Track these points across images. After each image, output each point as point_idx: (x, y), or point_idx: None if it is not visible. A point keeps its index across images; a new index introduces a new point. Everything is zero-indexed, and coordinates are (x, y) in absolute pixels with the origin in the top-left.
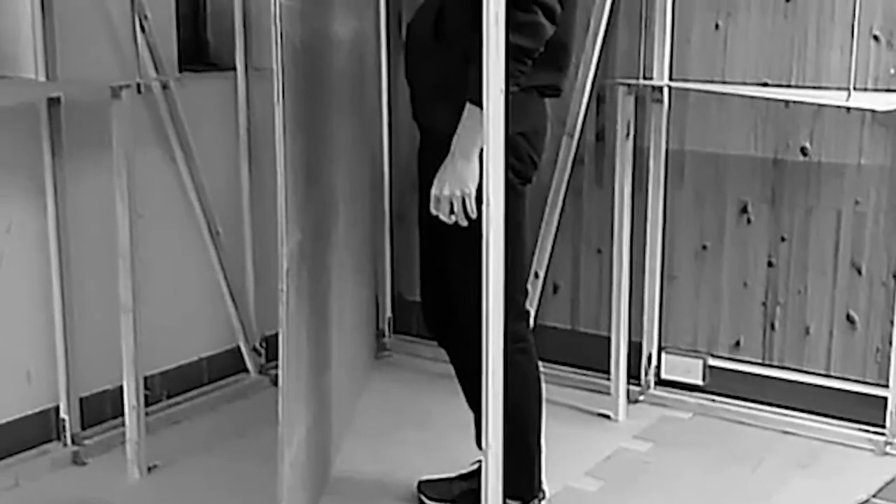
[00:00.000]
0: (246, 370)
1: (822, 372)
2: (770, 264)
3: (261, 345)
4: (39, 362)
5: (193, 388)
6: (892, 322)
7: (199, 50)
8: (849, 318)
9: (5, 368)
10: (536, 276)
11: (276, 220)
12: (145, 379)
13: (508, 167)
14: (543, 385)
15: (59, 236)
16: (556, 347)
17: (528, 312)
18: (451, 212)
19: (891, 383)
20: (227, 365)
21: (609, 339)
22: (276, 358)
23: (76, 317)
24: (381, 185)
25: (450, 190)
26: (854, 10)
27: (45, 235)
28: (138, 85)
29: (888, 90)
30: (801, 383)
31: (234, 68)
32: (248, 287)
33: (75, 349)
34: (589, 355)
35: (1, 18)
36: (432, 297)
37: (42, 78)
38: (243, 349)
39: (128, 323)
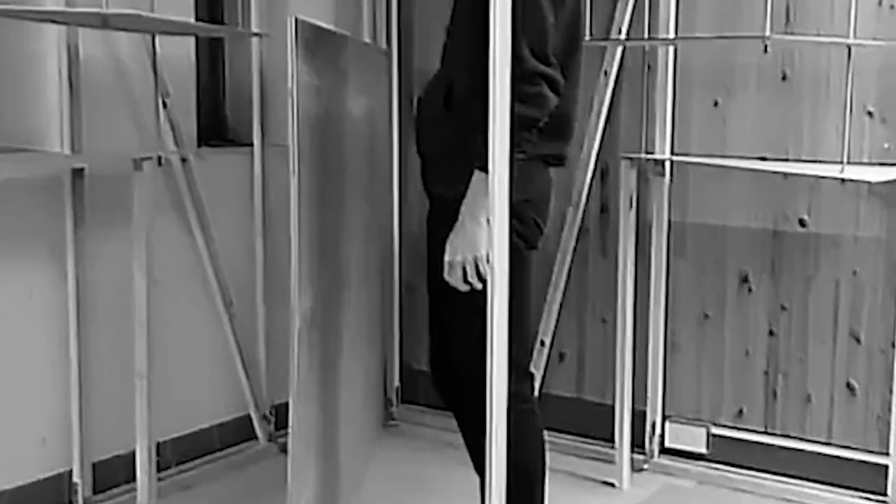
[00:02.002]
0: (256, 437)
1: (824, 440)
2: (771, 333)
3: (270, 413)
4: (54, 427)
5: (204, 455)
6: (891, 390)
7: (218, 126)
8: (849, 387)
9: (21, 432)
10: (542, 344)
11: (288, 291)
12: (157, 445)
13: (514, 232)
14: (546, 446)
15: (77, 304)
16: (562, 416)
17: (532, 374)
18: (465, 277)
19: (891, 451)
20: (237, 432)
21: (613, 407)
22: (285, 426)
23: (91, 383)
24: (392, 256)
25: (462, 255)
26: (847, 88)
27: (64, 302)
28: (159, 158)
29: (881, 164)
30: (803, 451)
31: (252, 144)
32: (260, 356)
33: (90, 414)
34: (594, 424)
35: (30, 95)
36: (440, 359)
37: (67, 151)
38: (254, 417)
39: (142, 389)
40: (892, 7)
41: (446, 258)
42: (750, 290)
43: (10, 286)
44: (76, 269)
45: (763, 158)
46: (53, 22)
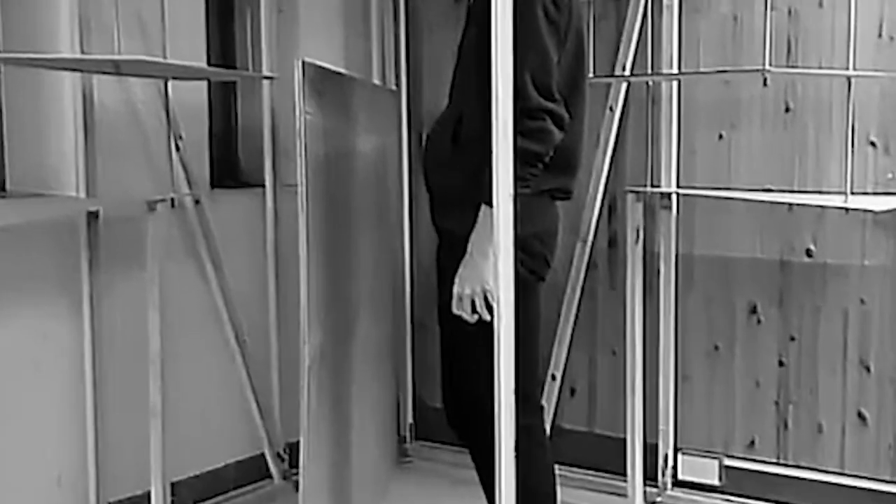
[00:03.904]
0: (270, 476)
1: (836, 470)
2: (781, 363)
3: (285, 451)
4: (70, 467)
5: (219, 494)
6: None
7: (230, 167)
8: (860, 416)
9: (37, 472)
10: (553, 378)
11: (300, 327)
12: (172, 485)
13: (522, 265)
14: (558, 480)
15: (93, 344)
16: (574, 450)
17: (543, 408)
18: (474, 310)
19: None
20: (251, 471)
21: (625, 440)
22: (299, 464)
23: (106, 423)
24: (403, 293)
25: (471, 288)
26: (850, 119)
27: (79, 343)
28: (172, 200)
29: (886, 193)
30: (816, 482)
31: (263, 185)
32: (274, 394)
33: (105, 455)
34: (606, 457)
35: (45, 140)
36: (453, 394)
37: (83, 195)
38: (268, 455)
39: (156, 428)
40: (891, 38)
41: (455, 291)
42: (759, 320)
43: (26, 328)
44: (91, 311)
45: (768, 190)
46: (68, 70)
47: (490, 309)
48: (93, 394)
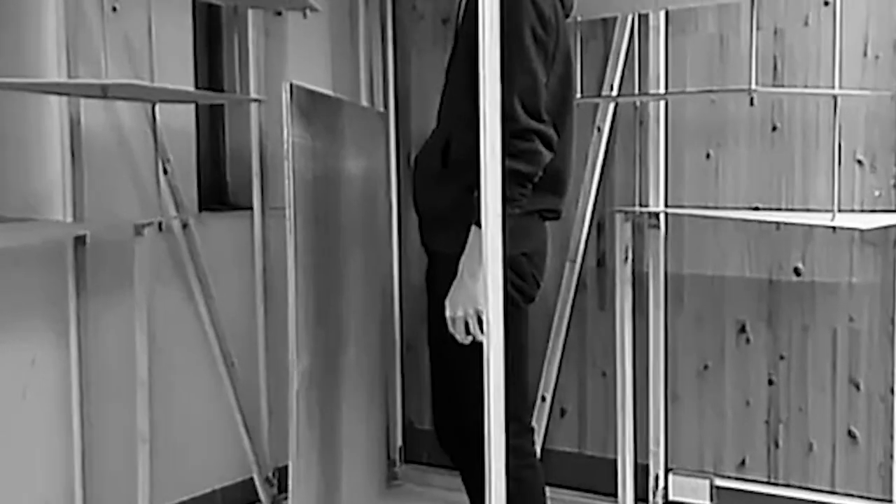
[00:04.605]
0: (259, 501)
1: (827, 489)
2: (770, 382)
3: (273, 475)
4: (57, 492)
5: None
6: (892, 437)
7: (218, 190)
8: (850, 434)
9: (24, 498)
10: (543, 399)
11: (289, 350)
12: None
13: (512, 286)
14: (549, 502)
15: (80, 370)
16: (564, 471)
17: (533, 429)
18: (467, 331)
19: (895, 498)
20: (240, 496)
21: (616, 461)
22: (288, 489)
23: (94, 448)
24: (392, 315)
25: (463, 309)
26: (836, 137)
27: (66, 369)
28: (160, 223)
29: (873, 210)
30: (807, 501)
31: (251, 208)
32: (262, 418)
33: (93, 480)
34: (596, 479)
35: (32, 164)
36: (445, 415)
37: (69, 219)
38: (256, 480)
39: (144, 453)
40: (877, 57)
41: (447, 314)
42: (748, 339)
43: (13, 353)
44: (78, 336)
45: (756, 208)
46: (55, 93)
47: (483, 330)
48: (80, 419)
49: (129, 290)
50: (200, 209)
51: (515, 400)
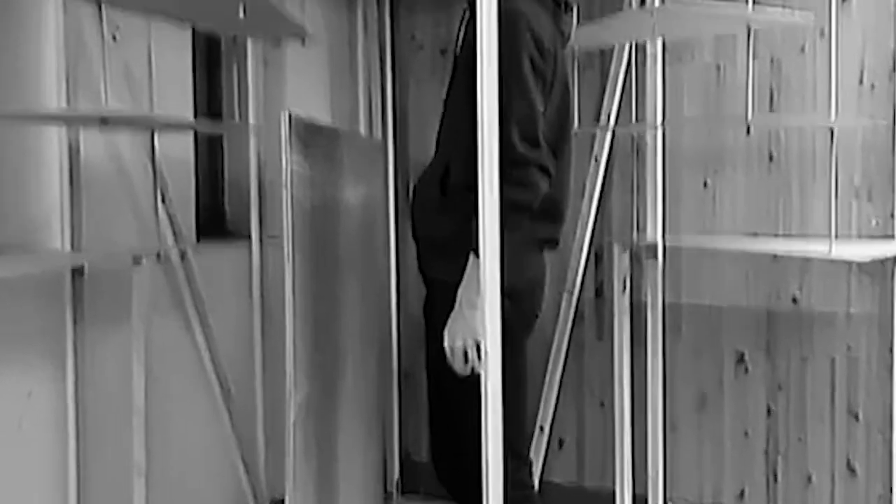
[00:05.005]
0: None
1: None
2: (769, 413)
3: None
4: None
5: None
6: (891, 469)
7: (216, 219)
8: (849, 466)
9: None
10: (541, 430)
11: (286, 380)
12: None
13: (510, 315)
14: None
15: (76, 401)
16: (563, 503)
17: (531, 461)
18: (466, 361)
19: None
20: None
21: (615, 493)
22: None
23: (90, 481)
24: (389, 344)
25: (462, 340)
26: (833, 166)
27: (63, 399)
28: (158, 253)
29: (871, 238)
30: None
31: (249, 236)
32: (259, 450)
33: None
34: None
35: (30, 193)
36: (443, 446)
37: (67, 248)
38: None
39: (140, 485)
40: (872, 86)
41: (446, 344)
42: (746, 369)
43: (9, 383)
44: (75, 367)
45: (753, 234)
46: (55, 124)
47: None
48: (76, 450)
49: (127, 320)
50: (198, 238)
51: (513, 431)
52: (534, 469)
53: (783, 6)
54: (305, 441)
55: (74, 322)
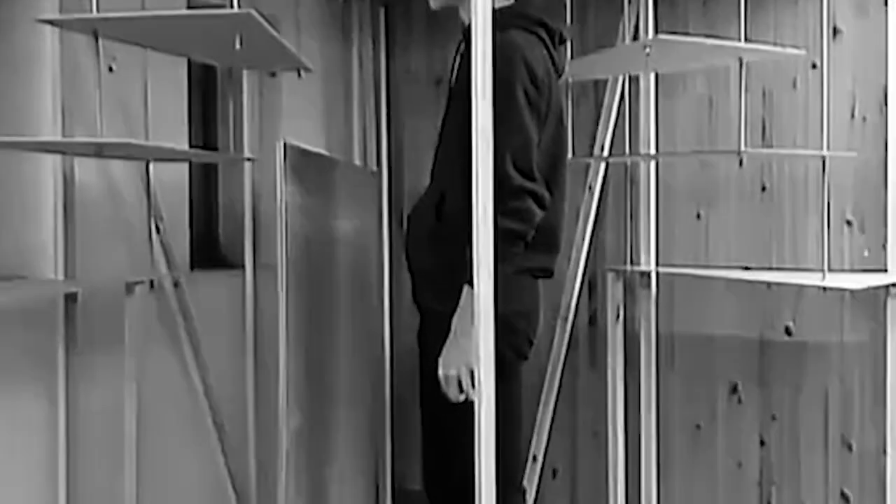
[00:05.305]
0: None
1: None
2: (763, 443)
3: None
4: None
5: None
6: (885, 498)
7: (210, 248)
8: (843, 496)
9: None
10: (535, 459)
11: (279, 410)
12: None
13: (505, 344)
14: None
15: (67, 430)
16: None
17: (524, 489)
18: (461, 389)
19: None
20: None
21: None
22: None
23: None
24: (382, 374)
25: (456, 368)
26: (825, 198)
27: (54, 429)
28: (151, 281)
29: (863, 270)
30: None
31: (243, 266)
32: (250, 480)
33: None
34: None
35: (25, 221)
36: (434, 475)
37: (61, 277)
38: None
39: None
40: (864, 119)
41: (440, 372)
42: (740, 399)
43: None
44: (66, 396)
45: (747, 268)
46: (51, 152)
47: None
48: (66, 480)
49: (119, 348)
50: (192, 267)
51: (507, 460)
52: (527, 498)
53: (775, 41)
54: (297, 471)
55: (66, 350)
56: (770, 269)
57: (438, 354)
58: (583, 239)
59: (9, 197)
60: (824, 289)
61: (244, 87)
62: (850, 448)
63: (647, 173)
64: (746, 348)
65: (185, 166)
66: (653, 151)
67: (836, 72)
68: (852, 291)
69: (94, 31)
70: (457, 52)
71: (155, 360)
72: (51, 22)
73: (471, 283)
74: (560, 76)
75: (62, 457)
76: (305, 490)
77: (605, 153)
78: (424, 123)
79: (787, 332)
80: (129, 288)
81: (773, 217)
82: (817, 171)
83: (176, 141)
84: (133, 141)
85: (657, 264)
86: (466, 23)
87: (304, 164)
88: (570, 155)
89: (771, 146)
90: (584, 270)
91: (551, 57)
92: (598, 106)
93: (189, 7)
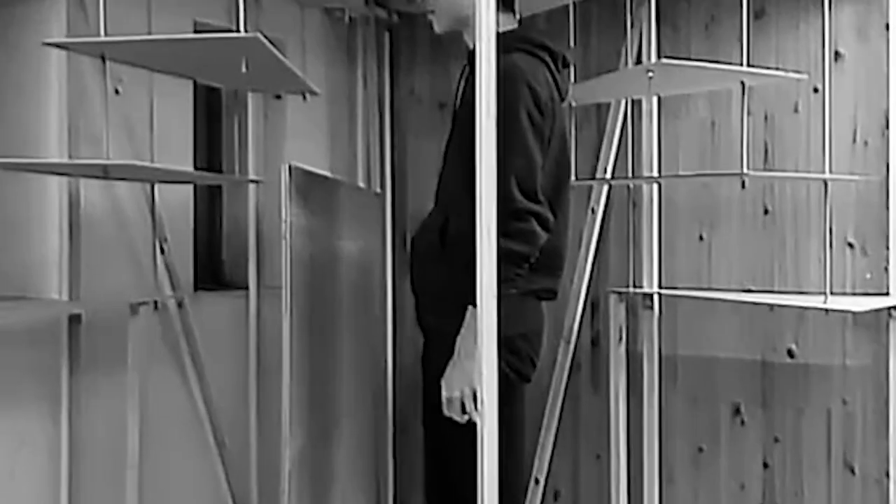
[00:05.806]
0: None
1: None
2: (765, 466)
3: None
4: None
5: None
6: None
7: (214, 269)
8: None
9: None
10: (537, 482)
11: (281, 430)
12: None
13: (508, 366)
14: None
15: (69, 452)
16: None
17: None
18: (464, 411)
19: None
20: None
21: None
22: None
23: None
24: (385, 395)
25: (459, 390)
26: (827, 221)
27: (57, 449)
28: (155, 302)
29: (865, 293)
30: None
31: (247, 287)
32: (253, 502)
33: None
34: None
35: (31, 242)
36: (437, 496)
37: (65, 297)
38: None
39: None
40: (865, 143)
41: (444, 394)
42: (743, 422)
43: (2, 433)
44: (69, 417)
45: (749, 290)
46: (57, 174)
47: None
48: (68, 500)
49: (123, 369)
50: (196, 288)
51: (509, 482)
52: None
53: (777, 66)
54: (300, 491)
55: (70, 371)
56: (772, 291)
57: (442, 376)
58: (585, 261)
59: (14, 216)
60: (827, 311)
61: (249, 109)
62: (852, 471)
63: (650, 196)
64: (749, 370)
65: (190, 187)
66: (655, 174)
67: (838, 96)
68: (854, 314)
69: (102, 54)
70: (461, 76)
71: (158, 381)
72: (58, 45)
73: (474, 305)
74: (563, 99)
75: (65, 476)
76: None
77: (608, 176)
78: (428, 146)
79: (790, 354)
80: (134, 308)
81: (775, 239)
82: (819, 194)
83: (181, 162)
84: (138, 163)
85: (660, 286)
86: (471, 46)
87: (308, 186)
88: (573, 177)
89: (773, 169)
90: (586, 292)
91: (555, 80)
92: (601, 129)
93: (195, 30)
